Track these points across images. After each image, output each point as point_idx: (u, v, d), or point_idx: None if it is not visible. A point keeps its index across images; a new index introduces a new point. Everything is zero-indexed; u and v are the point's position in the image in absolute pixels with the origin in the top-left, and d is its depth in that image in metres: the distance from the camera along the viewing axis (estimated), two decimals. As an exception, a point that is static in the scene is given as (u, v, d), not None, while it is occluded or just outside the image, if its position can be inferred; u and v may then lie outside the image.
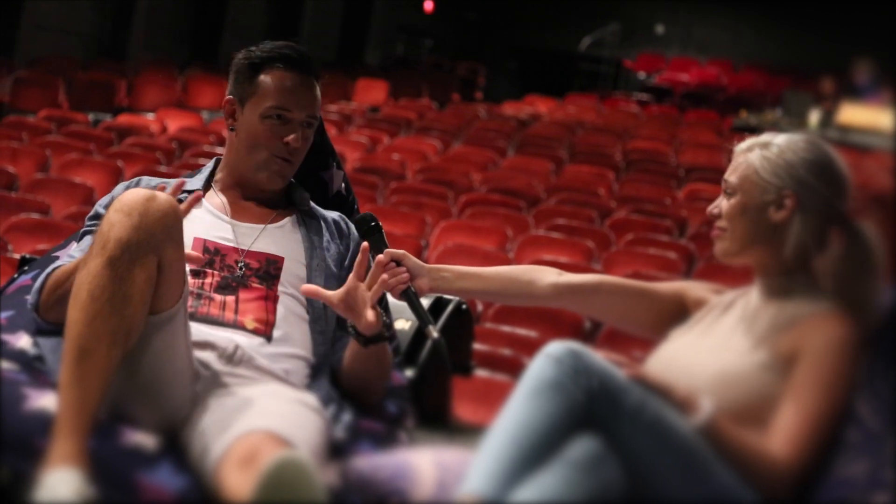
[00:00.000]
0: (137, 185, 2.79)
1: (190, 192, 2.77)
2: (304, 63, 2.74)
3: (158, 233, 2.31)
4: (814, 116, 13.85)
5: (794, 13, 18.10)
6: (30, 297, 2.60)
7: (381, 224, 2.72)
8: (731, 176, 2.38)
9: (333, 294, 2.57)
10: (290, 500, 1.95)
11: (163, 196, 2.35)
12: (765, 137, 2.39)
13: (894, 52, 14.24)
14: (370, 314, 2.53)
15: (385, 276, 2.54)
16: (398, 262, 2.60)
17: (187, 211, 2.47)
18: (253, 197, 2.79)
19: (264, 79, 2.72)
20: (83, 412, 2.19)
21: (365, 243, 2.61)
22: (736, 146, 2.42)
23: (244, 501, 2.05)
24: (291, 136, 2.71)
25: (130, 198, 2.33)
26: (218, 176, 2.83)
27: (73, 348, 2.24)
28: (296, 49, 2.76)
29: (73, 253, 2.67)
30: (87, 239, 2.67)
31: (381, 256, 2.57)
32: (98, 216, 2.72)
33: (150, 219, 2.30)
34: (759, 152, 2.35)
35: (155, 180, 2.83)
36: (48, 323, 2.56)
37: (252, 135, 2.73)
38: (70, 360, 2.23)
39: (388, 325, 2.62)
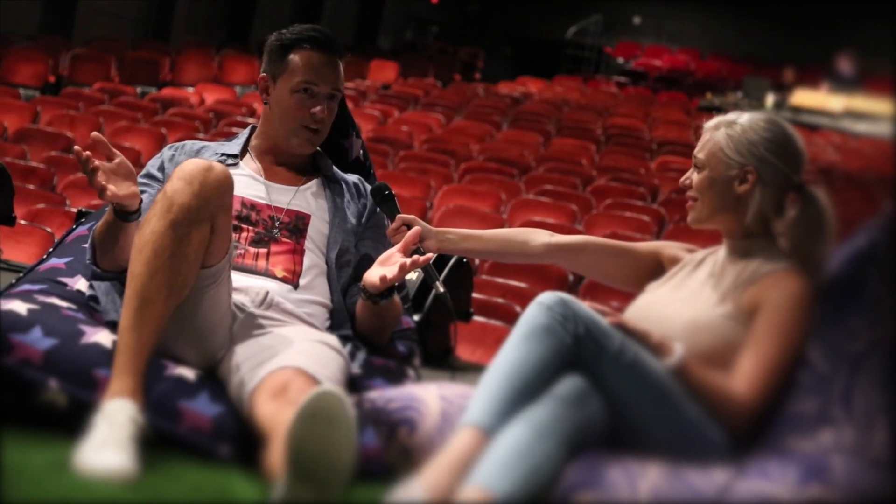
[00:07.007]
0: (182, 148, 2.79)
1: (230, 155, 2.77)
2: (329, 43, 2.72)
3: (214, 200, 2.30)
4: (770, 99, 13.81)
5: (755, 9, 18.02)
6: (87, 254, 2.59)
7: (393, 192, 2.72)
8: (700, 152, 2.35)
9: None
10: (326, 429, 1.93)
11: (219, 167, 2.33)
12: (730, 116, 2.36)
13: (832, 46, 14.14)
14: (377, 278, 2.49)
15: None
16: (409, 226, 2.60)
17: None
18: (284, 162, 2.78)
19: (294, 58, 2.70)
20: (140, 353, 2.18)
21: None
22: (705, 123, 2.39)
23: (277, 427, 2.05)
24: (318, 108, 2.70)
25: (192, 167, 2.31)
26: (253, 143, 2.82)
27: (135, 297, 2.22)
28: (321, 31, 2.74)
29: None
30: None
31: (394, 223, 2.58)
32: (149, 175, 2.73)
33: (208, 188, 2.29)
34: (724, 131, 2.32)
35: (198, 144, 2.82)
36: (104, 271, 2.54)
37: (283, 107, 2.71)
38: (132, 308, 2.22)
39: (392, 290, 2.58)
